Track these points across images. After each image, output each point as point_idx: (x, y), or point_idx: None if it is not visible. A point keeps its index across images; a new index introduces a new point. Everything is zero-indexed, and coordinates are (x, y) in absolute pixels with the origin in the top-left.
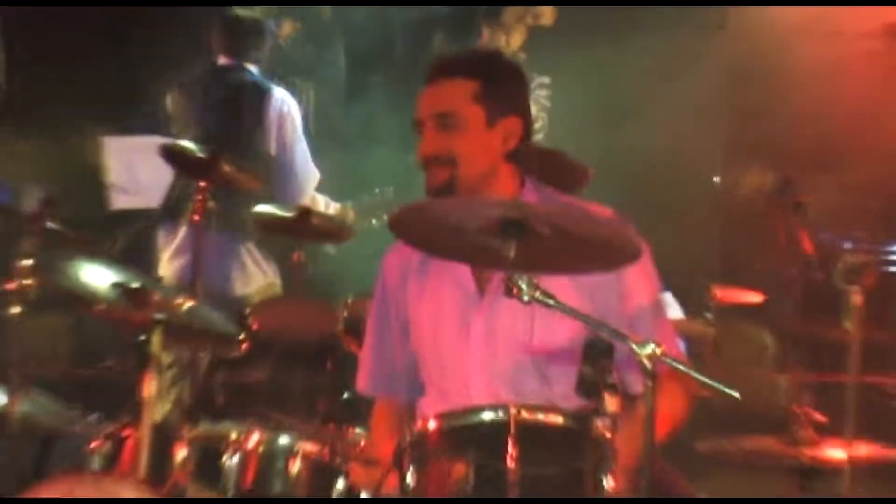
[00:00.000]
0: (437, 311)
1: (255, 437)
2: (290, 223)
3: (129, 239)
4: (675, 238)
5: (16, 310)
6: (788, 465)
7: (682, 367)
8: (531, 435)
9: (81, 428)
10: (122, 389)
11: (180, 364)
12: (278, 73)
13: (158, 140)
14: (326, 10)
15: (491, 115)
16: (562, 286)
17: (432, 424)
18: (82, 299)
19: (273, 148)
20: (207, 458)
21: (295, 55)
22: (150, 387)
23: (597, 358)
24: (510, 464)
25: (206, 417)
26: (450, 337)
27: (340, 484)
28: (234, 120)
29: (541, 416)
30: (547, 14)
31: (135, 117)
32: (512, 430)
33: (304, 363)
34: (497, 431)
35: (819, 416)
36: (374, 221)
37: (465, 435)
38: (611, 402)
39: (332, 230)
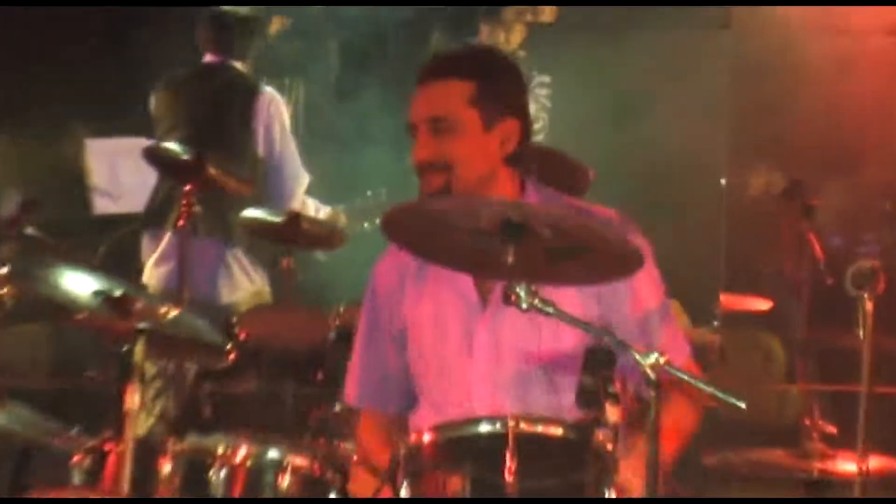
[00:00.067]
0: (438, 321)
1: (242, 450)
2: (279, 229)
3: (111, 245)
4: (679, 241)
5: None
6: (798, 479)
7: (685, 377)
8: (530, 447)
9: (62, 441)
10: (105, 401)
11: (165, 375)
12: (267, 71)
13: (142, 142)
14: (318, 7)
15: (487, 117)
16: (567, 290)
17: (427, 437)
18: (62, 308)
19: (261, 149)
20: (194, 473)
21: (285, 52)
22: (133, 399)
23: (598, 366)
24: (508, 477)
25: (193, 430)
26: (452, 348)
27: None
28: (221, 120)
29: (540, 428)
30: (547, 11)
31: (119, 119)
32: (510, 443)
33: (294, 374)
34: (495, 444)
35: (830, 428)
36: (366, 225)
37: (462, 447)
38: (612, 413)
39: (323, 236)
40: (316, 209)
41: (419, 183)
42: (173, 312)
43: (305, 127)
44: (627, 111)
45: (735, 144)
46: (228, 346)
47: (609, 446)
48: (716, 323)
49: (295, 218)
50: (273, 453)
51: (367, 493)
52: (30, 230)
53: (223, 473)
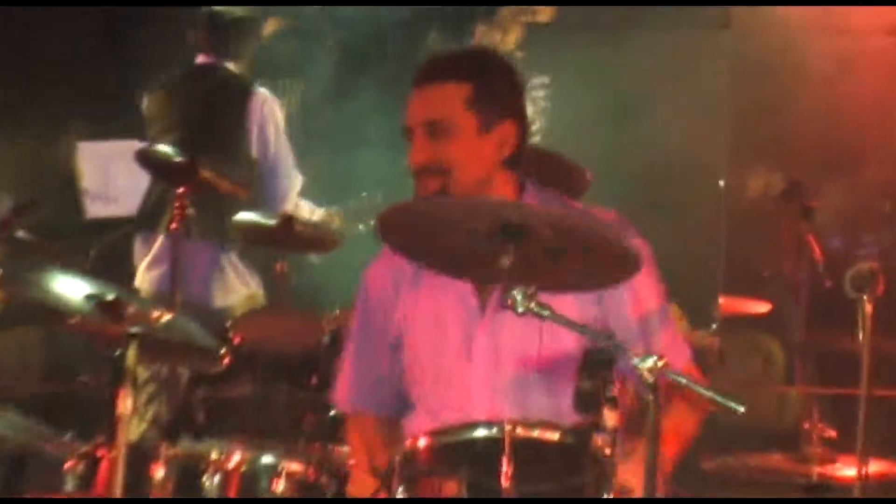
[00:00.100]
0: (436, 325)
1: (236, 456)
2: (272, 232)
3: (103, 248)
4: (677, 243)
5: None
6: (797, 483)
7: (683, 381)
8: (527, 452)
9: (54, 447)
10: (97, 406)
11: (158, 380)
12: (263, 72)
13: (135, 144)
14: (314, 8)
15: (485, 120)
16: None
17: (423, 441)
18: (54, 312)
19: (255, 150)
20: (187, 479)
21: (281, 53)
22: (125, 403)
23: (596, 370)
24: (504, 483)
25: (186, 435)
26: (450, 353)
27: None
28: (214, 121)
29: (536, 433)
30: (545, 11)
31: (113, 121)
32: (506, 448)
33: (289, 378)
34: (491, 449)
35: (829, 432)
36: (361, 227)
37: (458, 452)
38: (610, 417)
39: (317, 239)
40: (310, 211)
41: (415, 186)
42: (166, 316)
43: (301, 128)
44: (626, 112)
45: (734, 145)
46: (222, 351)
47: (607, 451)
48: (714, 326)
49: (288, 221)
50: (267, 458)
51: (366, 495)
52: (21, 233)
53: (216, 479)
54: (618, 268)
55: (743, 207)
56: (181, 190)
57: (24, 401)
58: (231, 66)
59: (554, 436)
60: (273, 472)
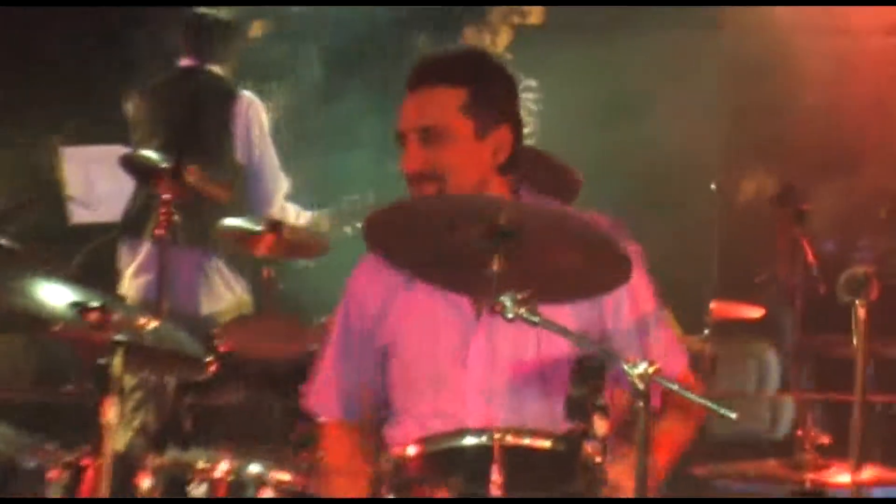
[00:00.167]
0: (430, 331)
1: (223, 465)
2: (258, 239)
3: (88, 255)
4: (670, 247)
5: None
6: (791, 490)
7: (675, 387)
8: (517, 459)
9: (38, 457)
10: (83, 415)
11: (145, 388)
12: (250, 74)
13: (119, 149)
14: (301, 10)
15: (481, 126)
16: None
17: (412, 449)
18: (38, 320)
19: (239, 154)
20: (174, 488)
21: (268, 56)
22: (111, 412)
23: (587, 377)
24: (494, 491)
25: (173, 444)
26: (445, 359)
27: None
28: (198, 125)
29: (527, 440)
30: (535, 12)
31: (95, 125)
32: (496, 455)
33: (277, 385)
34: (481, 456)
35: (823, 438)
36: (348, 230)
37: (448, 460)
38: (600, 425)
39: (304, 244)
40: (297, 214)
41: (409, 192)
42: (152, 324)
43: (289, 131)
44: (617, 114)
45: (728, 147)
46: (209, 358)
47: (598, 458)
48: (707, 331)
49: (275, 227)
50: (254, 468)
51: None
52: (3, 240)
53: (203, 488)
54: (614, 272)
55: (736, 211)
56: (167, 195)
57: (7, 409)
58: (215, 68)
59: (544, 443)
60: (260, 481)
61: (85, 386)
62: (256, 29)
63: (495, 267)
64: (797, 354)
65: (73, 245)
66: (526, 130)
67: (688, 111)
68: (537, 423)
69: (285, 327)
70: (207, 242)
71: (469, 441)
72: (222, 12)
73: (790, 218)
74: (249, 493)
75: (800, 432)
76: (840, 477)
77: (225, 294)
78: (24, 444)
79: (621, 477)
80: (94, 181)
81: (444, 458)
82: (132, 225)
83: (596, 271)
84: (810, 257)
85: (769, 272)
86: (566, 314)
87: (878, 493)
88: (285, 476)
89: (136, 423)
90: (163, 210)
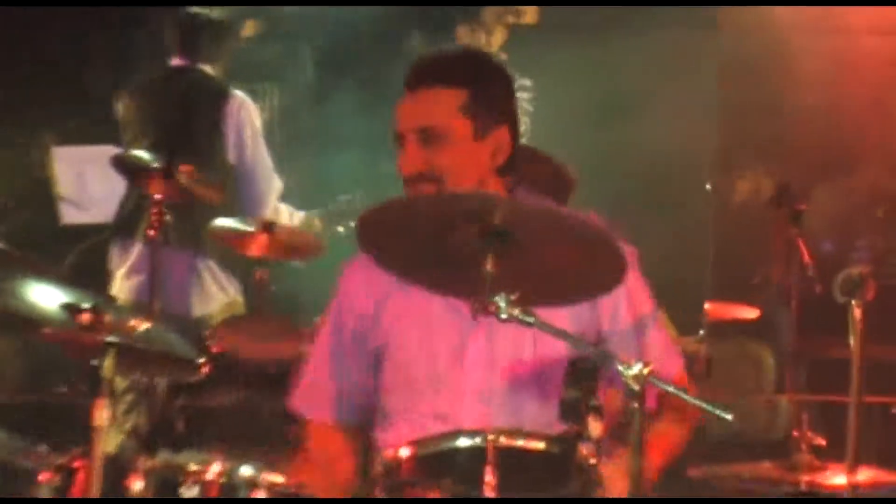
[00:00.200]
0: (427, 332)
1: (215, 467)
2: (252, 239)
3: (80, 256)
4: (665, 248)
5: None
6: (786, 492)
7: (670, 389)
8: (511, 461)
9: (28, 459)
10: (74, 417)
11: (137, 390)
12: (242, 75)
13: (111, 150)
14: (293, 10)
15: (481, 126)
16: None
17: (405, 451)
18: (28, 321)
19: (231, 155)
20: (165, 491)
21: (259, 55)
22: (102, 414)
23: (581, 379)
24: (488, 493)
25: (165, 447)
26: (442, 360)
27: None
28: (189, 125)
29: (521, 442)
30: (529, 12)
31: (95, 125)
32: (490, 457)
33: (269, 387)
34: (474, 458)
35: (819, 439)
36: (341, 229)
37: (441, 462)
38: (594, 426)
39: (297, 244)
40: (290, 215)
41: (406, 193)
42: (144, 325)
43: (281, 131)
44: (612, 114)
45: (723, 148)
46: (201, 360)
47: (592, 460)
48: (702, 332)
49: (267, 227)
50: (247, 470)
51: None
52: None
53: (194, 491)
54: (610, 271)
55: (732, 212)
56: (159, 196)
57: None
58: (207, 68)
59: (539, 445)
60: (253, 484)
61: (77, 387)
62: (249, 29)
63: (489, 267)
64: (793, 355)
65: (65, 245)
66: (521, 130)
67: (683, 111)
68: (535, 424)
69: (278, 328)
70: (199, 243)
71: (462, 442)
72: (215, 12)
73: (786, 218)
74: (242, 495)
75: (795, 434)
76: (836, 479)
77: (217, 295)
78: (16, 446)
79: (613, 476)
80: (86, 181)
81: (437, 459)
82: (124, 225)
83: (592, 271)
84: (806, 258)
85: (765, 273)
86: (563, 316)
87: (873, 494)
88: (278, 478)
89: (127, 425)
90: (154, 210)
